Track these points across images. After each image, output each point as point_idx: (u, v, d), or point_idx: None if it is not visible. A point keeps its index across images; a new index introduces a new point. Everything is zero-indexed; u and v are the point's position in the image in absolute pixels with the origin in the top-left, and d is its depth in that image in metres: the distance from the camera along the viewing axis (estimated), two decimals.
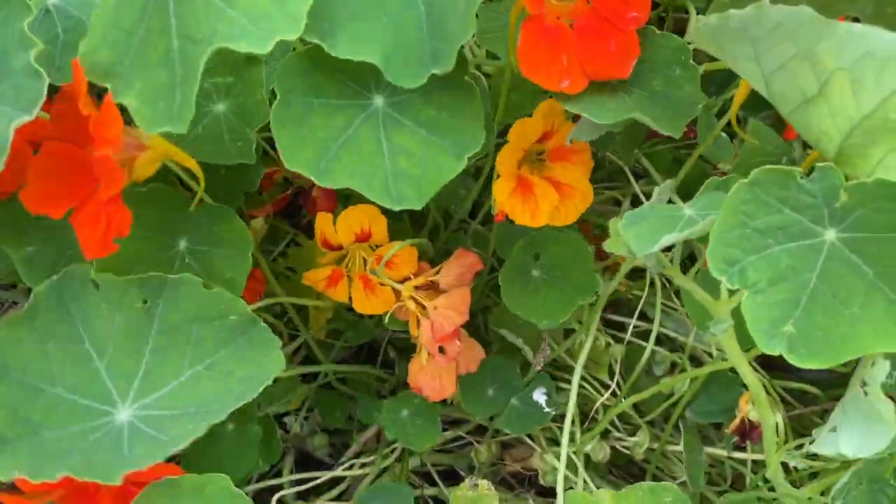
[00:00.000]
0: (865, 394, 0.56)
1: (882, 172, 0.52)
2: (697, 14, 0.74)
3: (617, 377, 0.92)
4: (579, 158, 0.68)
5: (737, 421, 0.84)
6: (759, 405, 0.71)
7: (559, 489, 0.76)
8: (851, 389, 0.60)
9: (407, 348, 1.07)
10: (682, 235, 0.54)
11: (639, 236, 0.56)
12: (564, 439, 0.78)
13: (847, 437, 0.57)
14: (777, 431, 0.75)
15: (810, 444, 0.66)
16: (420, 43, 0.57)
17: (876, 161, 0.53)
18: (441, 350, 0.80)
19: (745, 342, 0.65)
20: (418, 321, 0.80)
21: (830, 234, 0.52)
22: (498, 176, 0.67)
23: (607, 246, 0.64)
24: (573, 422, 0.94)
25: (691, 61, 0.67)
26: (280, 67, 0.58)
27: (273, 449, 0.88)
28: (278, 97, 0.57)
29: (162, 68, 0.51)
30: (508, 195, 0.66)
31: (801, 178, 0.52)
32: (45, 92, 0.52)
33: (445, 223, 0.95)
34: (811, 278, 0.52)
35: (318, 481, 0.93)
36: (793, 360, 0.52)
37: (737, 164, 0.77)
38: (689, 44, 0.65)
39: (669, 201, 0.71)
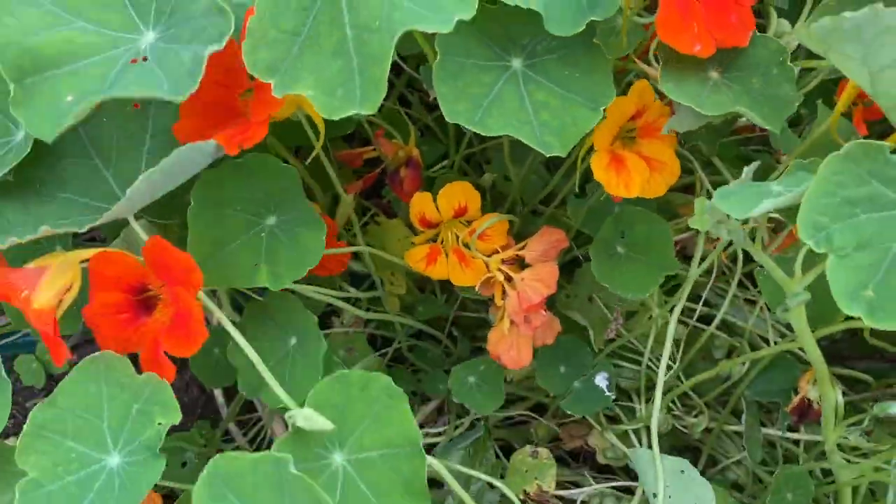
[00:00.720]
0: None
1: None
2: (778, 17, 0.80)
3: (678, 359, 0.97)
4: (667, 135, 0.74)
5: (796, 400, 0.89)
6: (820, 381, 0.76)
7: (655, 446, 0.81)
8: None
9: (470, 326, 1.12)
10: (777, 202, 0.60)
11: (735, 206, 0.61)
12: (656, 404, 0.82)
13: None
14: (838, 409, 0.80)
15: (880, 418, 0.70)
16: None
17: None
18: (526, 319, 0.86)
19: (812, 324, 0.70)
20: (504, 292, 0.86)
21: None
22: (593, 151, 0.72)
23: (692, 222, 0.69)
24: (636, 398, 0.99)
25: (789, 63, 0.72)
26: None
27: None
28: (438, 56, 0.63)
29: (336, 58, 0.57)
30: (605, 168, 0.72)
31: (891, 153, 0.57)
32: (233, 25, 0.58)
33: (523, 207, 1.01)
34: (893, 247, 0.57)
35: None
36: (871, 322, 0.56)
37: (804, 151, 0.82)
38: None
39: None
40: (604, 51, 0.66)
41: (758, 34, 0.70)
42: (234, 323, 0.80)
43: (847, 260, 0.58)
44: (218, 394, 1.15)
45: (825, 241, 0.58)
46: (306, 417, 0.58)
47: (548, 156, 0.62)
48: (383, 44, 0.57)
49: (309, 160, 0.77)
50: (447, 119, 0.62)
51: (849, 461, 0.84)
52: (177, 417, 0.65)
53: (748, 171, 0.70)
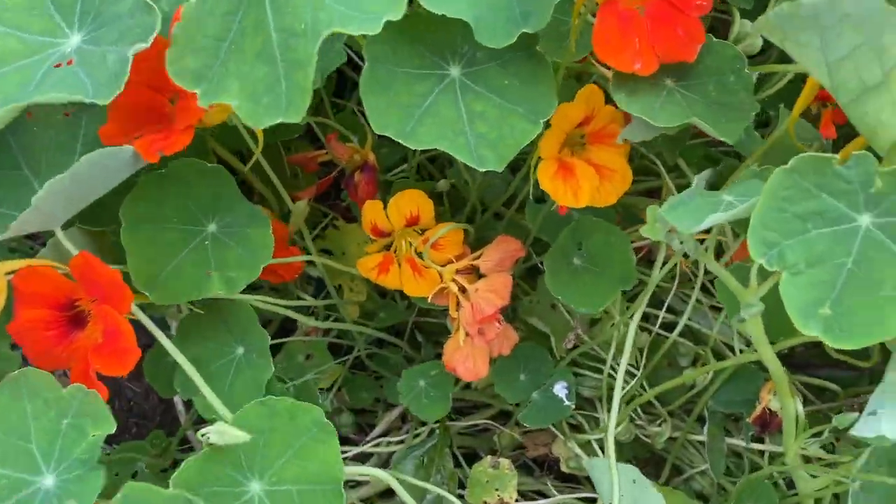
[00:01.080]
0: None
1: None
2: (742, 18, 0.77)
3: (642, 367, 0.95)
4: (617, 142, 0.71)
5: (758, 410, 0.87)
6: (780, 392, 0.74)
7: (610, 456, 0.79)
8: (890, 373, 0.62)
9: (433, 332, 1.10)
10: (726, 216, 0.57)
11: (682, 218, 0.59)
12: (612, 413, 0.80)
13: (890, 420, 0.60)
14: (798, 420, 0.78)
15: (841, 429, 0.69)
16: (511, 2, 0.60)
17: None
18: (480, 332, 0.84)
19: (771, 335, 0.68)
20: (458, 303, 0.83)
21: (865, 220, 0.55)
22: (540, 159, 0.70)
23: (644, 231, 0.67)
24: (599, 407, 0.97)
25: (746, 70, 0.69)
26: (368, 38, 0.61)
27: None
28: (367, 65, 0.60)
29: (261, 64, 0.55)
30: (551, 177, 0.69)
31: (838, 165, 0.55)
32: (159, 24, 0.55)
33: (482, 212, 0.98)
34: (847, 262, 0.55)
35: (349, 455, 0.96)
36: (828, 341, 0.54)
37: (764, 154, 0.79)
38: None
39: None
40: (547, 59, 0.64)
41: (714, 40, 0.68)
42: (183, 321, 0.78)
43: (801, 277, 0.55)
44: (178, 401, 1.13)
45: (777, 258, 0.56)
46: (219, 431, 0.56)
47: (482, 170, 0.60)
48: (308, 48, 0.54)
49: (248, 166, 0.74)
50: (375, 131, 0.59)
51: (814, 473, 0.83)
52: (110, 427, 0.62)
53: (699, 179, 0.68)
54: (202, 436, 0.56)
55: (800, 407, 0.80)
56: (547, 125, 0.68)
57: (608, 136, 0.72)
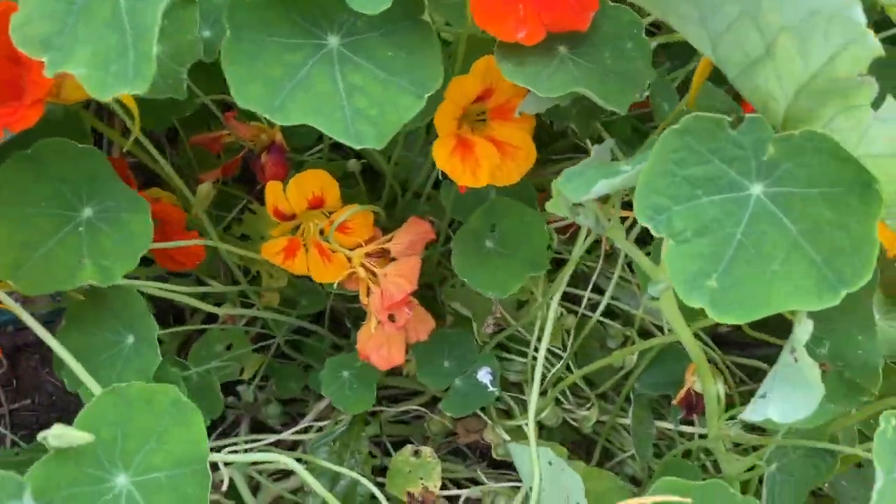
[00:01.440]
0: (795, 360, 0.56)
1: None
2: None
3: (570, 349, 0.92)
4: (521, 117, 0.67)
5: (683, 392, 0.84)
6: (700, 373, 0.71)
7: (531, 439, 0.76)
8: (783, 355, 0.60)
9: (363, 318, 1.06)
10: (615, 182, 0.54)
11: (574, 188, 0.56)
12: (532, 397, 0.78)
13: (776, 403, 0.57)
14: (720, 401, 0.75)
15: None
16: None
17: (823, 124, 0.52)
18: (391, 318, 0.80)
19: (691, 315, 0.65)
20: (368, 289, 0.80)
21: (757, 188, 0.51)
22: (438, 137, 0.66)
23: (549, 206, 0.63)
24: (527, 391, 0.94)
25: (643, 35, 0.66)
26: (229, 3, 0.57)
27: (214, 405, 0.87)
28: (228, 34, 0.56)
29: (110, 31, 0.50)
30: (448, 156, 0.66)
31: (731, 128, 0.51)
32: None
33: (403, 192, 0.95)
34: (736, 233, 0.52)
35: (265, 443, 0.92)
36: (713, 314, 0.51)
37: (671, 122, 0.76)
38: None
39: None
40: (433, 29, 0.60)
41: (610, 4, 0.64)
42: (72, 308, 0.74)
43: (687, 246, 0.52)
44: None
45: (665, 224, 0.52)
46: (58, 434, 0.52)
47: (357, 147, 0.56)
48: (153, 13, 0.50)
49: (126, 147, 0.70)
50: (239, 105, 0.55)
51: (737, 456, 0.80)
52: None
53: (598, 150, 0.64)
54: (42, 439, 0.53)
55: (721, 388, 0.78)
56: (440, 99, 0.64)
57: (511, 112, 0.69)
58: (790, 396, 0.53)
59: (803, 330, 0.53)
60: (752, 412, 0.55)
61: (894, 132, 0.45)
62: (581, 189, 0.55)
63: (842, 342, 0.60)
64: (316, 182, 0.76)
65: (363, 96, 0.58)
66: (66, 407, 1.14)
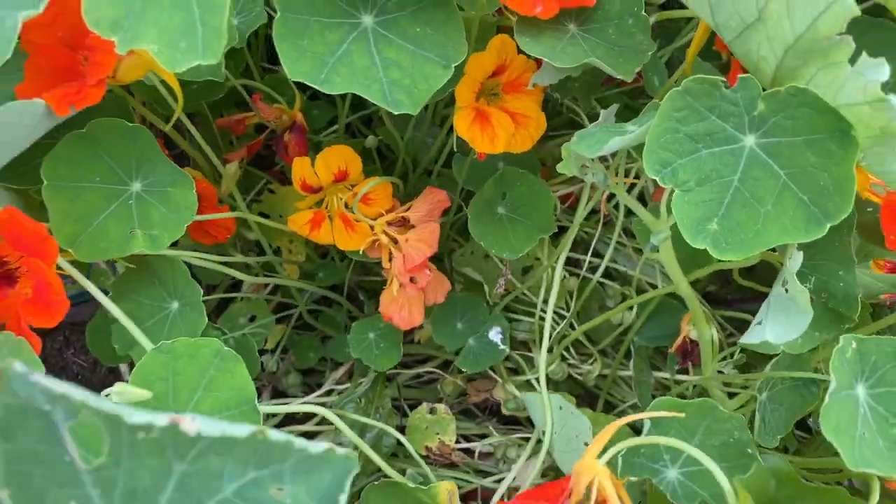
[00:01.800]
0: (786, 290, 0.64)
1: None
2: None
3: (573, 308, 1.00)
4: (532, 90, 0.75)
5: (679, 340, 0.92)
6: (695, 318, 0.79)
7: (543, 390, 0.83)
8: (775, 288, 0.67)
9: (375, 290, 1.13)
10: (626, 139, 0.61)
11: (587, 146, 0.63)
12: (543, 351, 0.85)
13: (771, 327, 0.65)
14: (714, 346, 0.83)
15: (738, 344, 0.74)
16: None
17: (806, 81, 0.59)
18: (412, 280, 0.87)
19: (687, 268, 0.72)
20: (390, 255, 0.86)
21: (750, 140, 0.59)
22: (458, 109, 0.73)
23: (560, 167, 0.70)
24: (534, 349, 1.02)
25: (643, 12, 0.73)
26: None
27: (252, 364, 0.92)
28: (278, 13, 0.62)
29: (177, 11, 0.56)
30: (468, 126, 0.73)
31: (726, 87, 0.59)
32: None
33: (414, 168, 1.01)
34: (733, 180, 0.59)
35: (288, 409, 0.98)
36: (715, 253, 0.59)
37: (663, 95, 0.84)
38: None
39: None
40: (456, 8, 0.66)
41: None
42: (112, 280, 0.80)
43: (691, 194, 0.60)
44: (124, 369, 1.13)
45: (670, 176, 0.60)
46: (119, 392, 0.58)
47: (396, 113, 0.62)
48: None
49: (170, 125, 0.75)
50: (290, 78, 0.61)
51: (731, 392, 0.88)
52: (40, 370, 0.64)
53: (606, 113, 0.72)
54: (105, 396, 0.58)
55: (715, 333, 0.86)
56: (461, 74, 0.71)
57: (522, 85, 0.76)
58: (783, 321, 0.61)
59: (794, 262, 0.61)
60: (751, 336, 0.63)
61: (867, 83, 0.53)
62: (595, 147, 0.62)
63: (825, 277, 0.69)
64: (341, 157, 0.83)
65: (397, 68, 0.65)
66: (92, 385, 1.19)
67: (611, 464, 0.59)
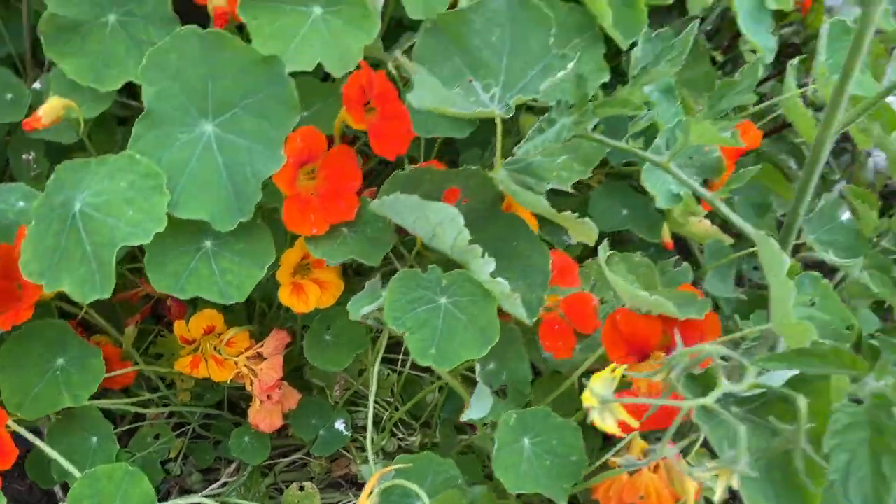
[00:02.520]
0: (480, 386, 1.04)
1: None
2: None
3: (395, 394, 1.38)
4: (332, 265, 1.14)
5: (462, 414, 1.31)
6: (452, 384, 1.18)
7: (370, 459, 1.20)
8: (477, 388, 1.07)
9: (250, 400, 1.48)
10: (377, 304, 1.00)
11: (354, 309, 1.02)
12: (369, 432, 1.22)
13: (472, 409, 1.04)
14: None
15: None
16: (230, 204, 1.01)
17: (468, 267, 1.01)
18: (269, 397, 1.23)
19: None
20: (251, 380, 1.22)
21: (443, 300, 1.00)
22: (279, 284, 1.11)
23: (351, 317, 1.09)
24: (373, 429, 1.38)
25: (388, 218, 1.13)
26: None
27: (154, 475, 1.25)
28: (147, 251, 0.98)
29: (82, 265, 0.92)
30: (288, 296, 1.11)
31: (423, 273, 1.00)
32: None
33: (269, 308, 1.38)
34: (438, 324, 0.99)
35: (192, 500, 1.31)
36: (438, 367, 0.99)
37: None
38: None
39: None
40: (268, 230, 1.05)
41: (369, 200, 1.12)
42: (48, 427, 1.12)
43: (416, 335, 0.99)
44: (58, 490, 1.43)
45: (401, 325, 0.99)
46: None
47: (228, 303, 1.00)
48: (110, 254, 0.93)
49: (78, 319, 1.10)
50: (156, 289, 0.98)
51: None
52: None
53: (371, 283, 1.11)
54: None
55: None
56: (277, 265, 1.10)
57: (323, 262, 1.15)
58: (479, 404, 1.01)
59: (481, 367, 1.02)
60: (466, 414, 1.03)
61: (486, 268, 0.95)
62: (357, 310, 1.02)
63: (511, 370, 1.09)
64: (208, 318, 1.19)
65: (230, 274, 1.02)
66: None
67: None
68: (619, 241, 1.45)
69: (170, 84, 0.98)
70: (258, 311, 1.36)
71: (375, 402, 1.37)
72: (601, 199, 1.38)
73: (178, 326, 1.19)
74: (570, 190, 1.10)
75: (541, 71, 0.96)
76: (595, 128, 1.01)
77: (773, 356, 0.67)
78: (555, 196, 1.14)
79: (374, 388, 1.28)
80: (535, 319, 0.99)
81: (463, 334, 0.98)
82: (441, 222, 0.95)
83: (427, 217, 0.96)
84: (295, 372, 1.42)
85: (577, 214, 1.05)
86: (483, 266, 0.95)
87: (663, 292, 0.99)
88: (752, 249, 1.27)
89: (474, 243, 0.95)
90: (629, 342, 0.97)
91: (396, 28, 1.24)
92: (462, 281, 0.99)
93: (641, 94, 1.06)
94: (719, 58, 1.59)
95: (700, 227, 1.38)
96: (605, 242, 0.98)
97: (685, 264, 1.30)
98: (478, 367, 1.02)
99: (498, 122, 1.00)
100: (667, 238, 1.37)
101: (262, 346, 1.24)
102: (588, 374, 1.08)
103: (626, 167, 1.39)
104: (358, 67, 1.02)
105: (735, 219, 0.98)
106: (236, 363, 1.23)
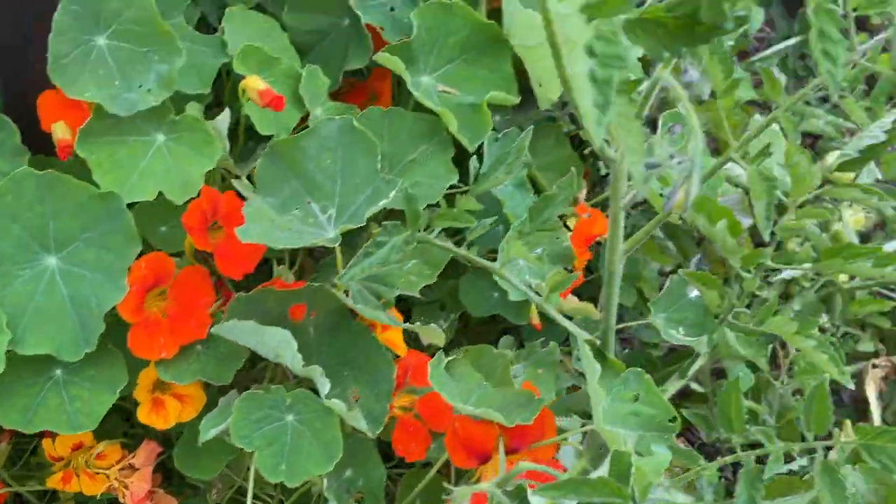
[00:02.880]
0: None
1: None
2: None
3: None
4: None
5: None
6: None
7: None
8: None
9: None
10: (224, 426, 1.03)
11: (205, 429, 1.05)
12: None
13: None
14: None
15: None
16: (76, 336, 1.03)
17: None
18: None
19: None
20: (123, 493, 1.23)
21: (289, 417, 1.03)
22: (139, 402, 1.13)
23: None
24: None
25: None
26: None
27: None
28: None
29: None
30: (147, 415, 1.13)
31: (267, 393, 1.03)
32: None
33: None
34: (287, 441, 1.03)
35: None
36: (287, 483, 1.01)
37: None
38: None
39: None
40: (117, 353, 1.07)
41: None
42: None
43: (265, 452, 1.02)
44: None
45: (249, 443, 1.02)
46: None
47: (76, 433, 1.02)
48: None
49: None
50: (3, 426, 1.00)
51: None
52: None
53: (225, 400, 1.14)
54: None
55: None
56: (135, 385, 1.12)
57: None
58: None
59: (327, 485, 1.05)
60: None
61: None
62: (207, 431, 1.04)
63: (366, 476, 1.13)
64: (72, 437, 1.20)
65: (79, 401, 1.04)
66: None
67: None
68: (495, 322, 1.51)
69: (8, 224, 1.01)
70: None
71: (258, 497, 1.39)
72: (471, 285, 1.44)
73: (46, 445, 1.20)
74: (418, 295, 1.15)
75: (369, 195, 1.01)
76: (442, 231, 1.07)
77: (551, 486, 0.72)
78: (429, 289, 1.20)
79: (251, 487, 1.30)
80: (378, 431, 1.03)
81: (309, 449, 1.02)
82: (279, 345, 0.99)
83: (265, 341, 0.99)
84: (175, 473, 1.43)
85: (424, 321, 1.10)
86: (322, 386, 0.99)
87: (498, 393, 1.04)
88: None
89: (313, 364, 0.99)
90: (467, 447, 1.02)
91: (253, 137, 1.28)
92: (305, 399, 1.02)
93: (475, 204, 1.13)
94: (584, 137, 1.67)
95: (569, 304, 1.45)
96: (440, 354, 1.02)
97: (552, 344, 1.36)
98: (325, 483, 1.05)
99: (336, 246, 1.04)
100: (535, 319, 1.42)
101: (133, 457, 1.26)
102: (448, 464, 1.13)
103: (491, 253, 1.45)
104: (198, 195, 1.06)
105: (563, 321, 1.05)
106: (108, 475, 1.24)
